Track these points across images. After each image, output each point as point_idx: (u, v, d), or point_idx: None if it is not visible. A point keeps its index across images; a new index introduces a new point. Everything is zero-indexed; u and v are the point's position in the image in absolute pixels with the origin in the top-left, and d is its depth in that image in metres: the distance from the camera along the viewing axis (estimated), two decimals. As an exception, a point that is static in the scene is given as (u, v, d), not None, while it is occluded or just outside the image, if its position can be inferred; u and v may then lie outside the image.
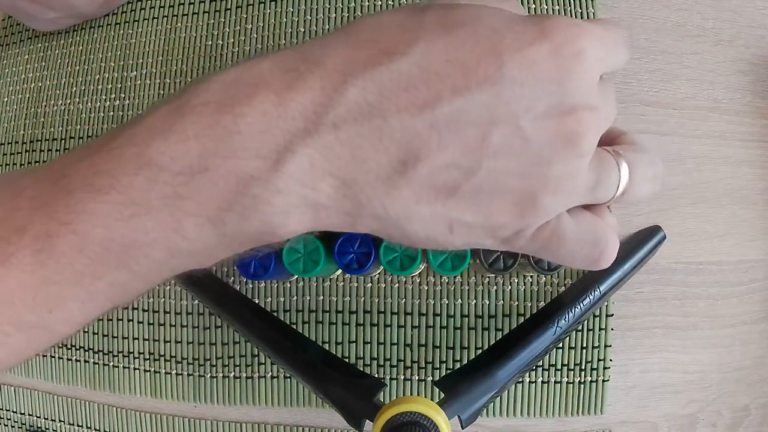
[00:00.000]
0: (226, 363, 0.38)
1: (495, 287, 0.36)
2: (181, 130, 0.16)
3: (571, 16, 0.38)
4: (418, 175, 0.17)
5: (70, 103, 0.43)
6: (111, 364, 0.39)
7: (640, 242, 0.35)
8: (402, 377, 0.36)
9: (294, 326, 0.37)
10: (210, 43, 0.41)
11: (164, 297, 0.39)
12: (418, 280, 0.37)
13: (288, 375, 0.37)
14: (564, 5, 0.39)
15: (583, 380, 0.35)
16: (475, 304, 0.36)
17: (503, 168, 0.17)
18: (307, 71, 0.16)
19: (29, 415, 0.41)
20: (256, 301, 0.37)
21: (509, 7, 0.19)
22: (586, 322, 0.36)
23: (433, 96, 0.16)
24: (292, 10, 0.41)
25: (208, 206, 0.16)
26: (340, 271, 0.36)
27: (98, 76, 0.43)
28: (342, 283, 0.37)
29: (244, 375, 0.37)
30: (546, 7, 0.39)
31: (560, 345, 0.36)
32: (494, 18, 0.18)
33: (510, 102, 0.17)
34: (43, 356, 0.41)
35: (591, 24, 0.19)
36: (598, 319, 0.36)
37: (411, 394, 0.36)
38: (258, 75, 0.16)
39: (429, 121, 0.16)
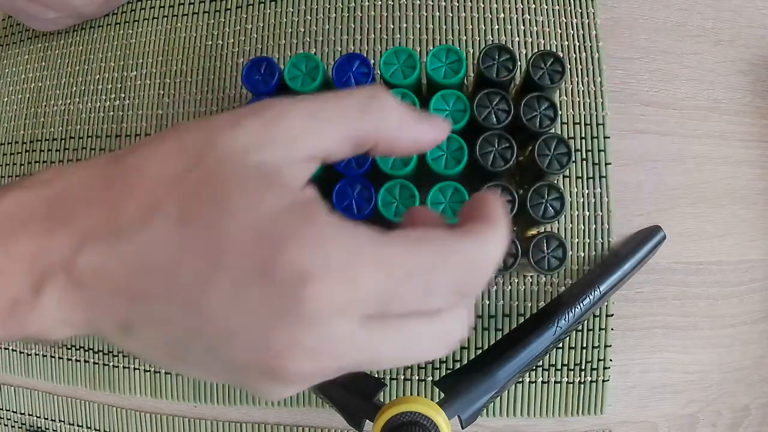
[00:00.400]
0: (226, 363, 0.38)
1: (495, 287, 0.36)
2: None
3: (570, 16, 0.39)
4: (143, 337, 0.19)
5: (70, 103, 0.43)
6: (111, 364, 0.39)
7: (640, 242, 0.35)
8: (402, 377, 0.36)
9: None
10: (210, 43, 0.41)
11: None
12: (418, 280, 0.37)
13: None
14: (564, 5, 0.39)
15: (583, 380, 0.35)
16: (475, 304, 0.36)
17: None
18: (59, 226, 0.18)
19: (29, 415, 0.41)
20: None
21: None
22: (586, 322, 0.36)
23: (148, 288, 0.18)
24: (292, 10, 0.41)
25: None
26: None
27: (98, 76, 0.43)
28: (342, 283, 0.37)
29: (244, 375, 0.37)
30: (546, 7, 0.39)
31: (560, 345, 0.36)
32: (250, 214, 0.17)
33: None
34: (43, 356, 0.41)
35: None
36: (598, 319, 0.36)
37: (411, 394, 0.36)
38: (25, 214, 0.19)
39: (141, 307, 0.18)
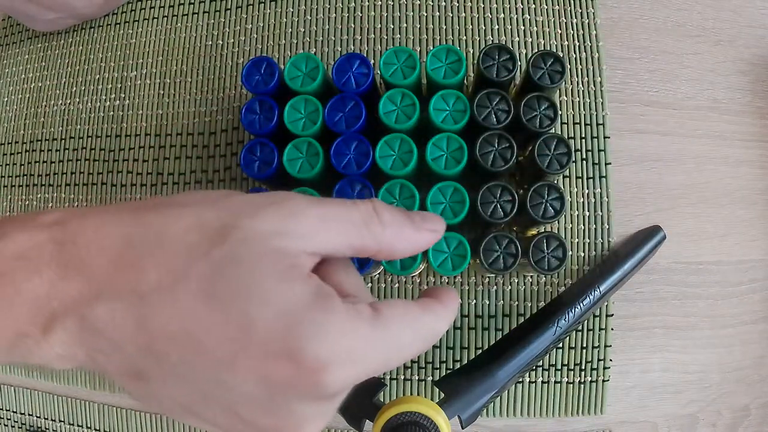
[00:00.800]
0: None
1: (495, 287, 0.36)
2: None
3: (570, 16, 0.39)
4: (154, 388, 0.20)
5: (70, 103, 0.43)
6: (111, 364, 0.39)
7: (640, 242, 0.35)
8: (402, 377, 0.36)
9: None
10: (210, 43, 0.41)
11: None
12: (418, 280, 0.37)
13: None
14: (564, 5, 0.39)
15: (583, 380, 0.35)
16: (475, 304, 0.36)
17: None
18: (74, 273, 0.19)
19: (29, 415, 0.41)
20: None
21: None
22: (586, 322, 0.36)
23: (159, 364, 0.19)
24: (292, 10, 0.41)
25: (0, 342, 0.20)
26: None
27: (98, 76, 0.43)
28: (342, 283, 0.37)
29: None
30: (546, 6, 0.39)
31: (560, 345, 0.36)
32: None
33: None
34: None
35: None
36: (598, 319, 0.36)
37: (411, 394, 0.36)
38: (37, 256, 0.19)
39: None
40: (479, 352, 0.36)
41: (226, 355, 0.18)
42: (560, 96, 0.37)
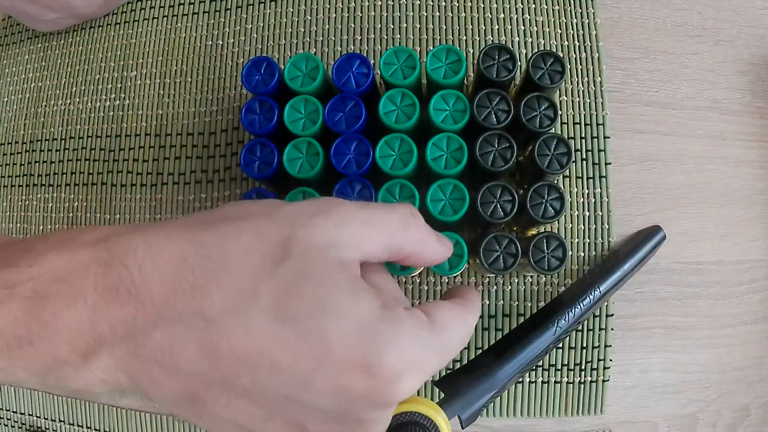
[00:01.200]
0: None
1: (495, 287, 0.36)
2: (8, 309, 0.18)
3: (570, 16, 0.39)
4: (210, 410, 0.20)
5: (70, 103, 0.43)
6: (111, 364, 0.39)
7: (640, 242, 0.35)
8: (402, 377, 0.36)
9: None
10: (210, 43, 0.41)
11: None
12: (418, 280, 0.37)
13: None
14: (564, 5, 0.39)
15: (583, 380, 0.35)
16: (475, 304, 0.36)
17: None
18: (126, 296, 0.18)
19: (29, 415, 0.41)
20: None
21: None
22: (586, 322, 0.36)
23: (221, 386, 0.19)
24: (292, 10, 0.41)
25: (33, 368, 0.19)
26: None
27: (98, 76, 0.43)
28: (342, 283, 0.37)
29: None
30: (546, 6, 0.39)
31: (560, 345, 0.36)
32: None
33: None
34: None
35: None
36: (598, 319, 0.36)
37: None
38: (79, 279, 0.18)
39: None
40: (479, 352, 0.36)
41: (303, 373, 0.18)
42: (560, 96, 0.37)
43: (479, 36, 0.39)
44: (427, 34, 0.39)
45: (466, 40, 0.39)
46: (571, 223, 0.36)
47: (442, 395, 0.28)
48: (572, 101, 0.37)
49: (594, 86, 0.38)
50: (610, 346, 0.36)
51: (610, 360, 0.35)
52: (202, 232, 0.19)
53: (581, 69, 0.38)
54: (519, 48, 0.38)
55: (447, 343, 0.21)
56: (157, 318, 0.18)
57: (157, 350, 0.18)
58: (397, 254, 0.22)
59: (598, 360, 0.35)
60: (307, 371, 0.18)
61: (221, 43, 0.41)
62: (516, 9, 0.39)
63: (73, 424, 0.40)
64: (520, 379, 0.35)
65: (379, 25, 0.40)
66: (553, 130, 0.30)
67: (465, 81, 0.35)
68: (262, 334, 0.18)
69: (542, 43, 0.38)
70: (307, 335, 0.18)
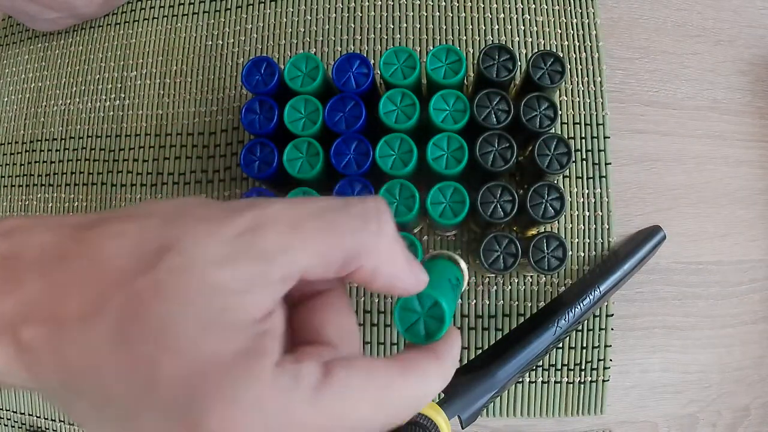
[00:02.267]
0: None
1: (495, 287, 0.36)
2: None
3: (570, 16, 0.39)
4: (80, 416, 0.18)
5: (70, 103, 0.43)
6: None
7: (640, 242, 0.35)
8: (402, 377, 0.36)
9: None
10: (210, 43, 0.41)
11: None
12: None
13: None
14: (564, 5, 0.39)
15: (583, 380, 0.35)
16: (475, 304, 0.36)
17: None
18: (9, 290, 0.17)
19: (29, 415, 0.41)
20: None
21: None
22: (586, 322, 0.36)
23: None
24: (292, 10, 0.41)
25: None
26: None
27: (98, 76, 0.43)
28: (342, 283, 0.37)
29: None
30: (546, 6, 0.39)
31: (560, 345, 0.36)
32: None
33: None
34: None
35: None
36: (598, 319, 0.36)
37: (411, 394, 0.36)
38: None
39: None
40: (479, 352, 0.36)
41: (131, 408, 0.16)
42: (560, 96, 0.37)
43: (479, 36, 0.39)
44: (427, 34, 0.39)
45: (466, 40, 0.39)
46: (571, 223, 0.36)
47: (442, 395, 0.28)
48: (572, 101, 0.37)
49: (594, 86, 0.38)
50: (610, 346, 0.36)
51: (610, 360, 0.35)
52: (94, 228, 0.18)
53: (581, 69, 0.38)
54: (519, 48, 0.38)
55: (343, 416, 0.16)
56: (27, 314, 0.17)
57: (31, 344, 0.17)
58: (350, 262, 0.17)
59: (598, 360, 0.35)
60: (135, 407, 0.16)
61: (221, 43, 0.41)
62: (516, 9, 0.39)
63: (73, 424, 0.40)
64: (520, 379, 0.35)
65: (379, 25, 0.40)
66: (553, 130, 0.30)
67: (465, 81, 0.35)
68: (100, 353, 0.16)
69: (542, 43, 0.38)
70: (138, 365, 0.15)
